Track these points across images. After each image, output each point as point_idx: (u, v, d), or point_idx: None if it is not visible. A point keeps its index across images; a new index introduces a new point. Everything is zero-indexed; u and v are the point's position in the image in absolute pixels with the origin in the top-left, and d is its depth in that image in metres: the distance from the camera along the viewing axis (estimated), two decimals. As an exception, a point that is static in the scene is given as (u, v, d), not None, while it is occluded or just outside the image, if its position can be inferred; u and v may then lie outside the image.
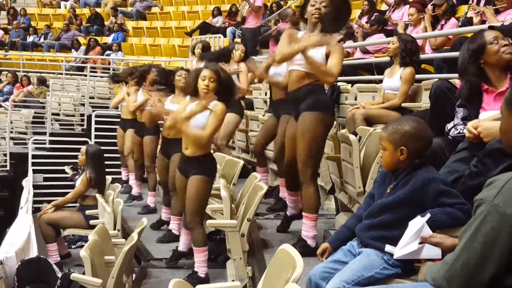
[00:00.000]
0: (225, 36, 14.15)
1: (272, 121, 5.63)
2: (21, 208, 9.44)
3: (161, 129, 6.63)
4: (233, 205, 4.58)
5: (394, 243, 2.53)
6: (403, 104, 5.34)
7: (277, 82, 5.18)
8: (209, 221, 4.35)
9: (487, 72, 3.06)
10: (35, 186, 10.63)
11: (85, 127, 13.22)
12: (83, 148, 6.57)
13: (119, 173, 9.26)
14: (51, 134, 12.72)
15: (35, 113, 13.65)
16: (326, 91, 6.38)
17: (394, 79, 5.41)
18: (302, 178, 4.24)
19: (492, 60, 3.04)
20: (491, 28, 3.20)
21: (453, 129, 3.09)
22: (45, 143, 12.45)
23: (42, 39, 18.83)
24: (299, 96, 4.18)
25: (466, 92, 3.08)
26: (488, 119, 2.80)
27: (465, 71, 3.11)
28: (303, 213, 4.30)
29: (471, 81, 3.06)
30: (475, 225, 1.71)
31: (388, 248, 2.57)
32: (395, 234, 2.55)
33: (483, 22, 6.22)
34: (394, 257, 2.44)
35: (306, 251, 3.90)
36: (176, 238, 5.64)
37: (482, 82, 3.05)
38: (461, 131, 3.00)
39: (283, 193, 5.39)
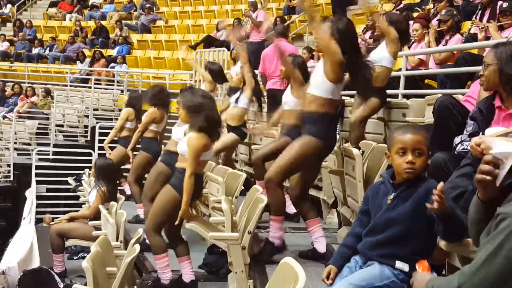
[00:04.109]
0: (229, 49, 14.22)
1: (284, 142, 5.59)
2: (23, 218, 9.46)
3: None
4: (234, 218, 4.57)
5: (404, 259, 2.51)
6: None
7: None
8: (210, 234, 4.34)
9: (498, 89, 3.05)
10: (38, 197, 10.66)
11: (88, 138, 13.26)
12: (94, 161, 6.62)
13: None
14: (55, 145, 12.77)
15: (39, 124, 13.71)
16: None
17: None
18: (268, 181, 4.39)
19: None
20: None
21: (459, 145, 3.08)
22: (48, 154, 12.50)
23: (47, 51, 18.94)
24: (305, 119, 4.33)
25: None
26: (492, 135, 2.78)
27: None
28: (271, 216, 4.56)
29: None
30: (499, 240, 1.64)
31: (398, 264, 2.53)
32: (404, 251, 2.51)
33: (487, 38, 6.24)
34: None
35: (273, 250, 4.47)
36: None
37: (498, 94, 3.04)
38: (466, 147, 2.99)
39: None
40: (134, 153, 7.64)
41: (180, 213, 4.54)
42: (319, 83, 4.21)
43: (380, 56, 5.39)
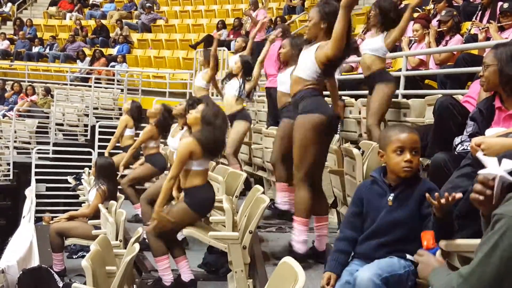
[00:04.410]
0: (229, 49, 14.22)
1: (288, 124, 5.48)
2: (23, 217, 9.46)
3: None
4: (235, 218, 4.57)
5: (411, 254, 2.49)
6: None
7: None
8: (211, 233, 4.34)
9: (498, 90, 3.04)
10: (37, 196, 10.66)
11: (88, 137, 13.26)
12: (94, 160, 6.60)
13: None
14: (55, 144, 12.76)
15: (39, 123, 13.71)
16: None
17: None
18: (294, 181, 4.33)
19: None
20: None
21: (459, 145, 3.08)
22: (48, 153, 12.49)
23: (47, 50, 18.94)
24: (296, 100, 4.26)
25: None
26: (492, 136, 2.78)
27: None
28: (293, 217, 4.34)
29: None
30: (494, 240, 1.66)
31: (409, 257, 2.54)
32: (410, 247, 2.49)
33: (488, 38, 6.24)
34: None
35: (293, 256, 3.92)
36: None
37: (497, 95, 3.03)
38: (466, 148, 2.99)
39: (280, 198, 5.36)
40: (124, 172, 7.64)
41: (153, 215, 4.60)
42: (308, 67, 4.19)
43: (377, 46, 5.35)
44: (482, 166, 2.55)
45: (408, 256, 2.55)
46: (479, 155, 2.12)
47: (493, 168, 1.97)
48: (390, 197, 2.61)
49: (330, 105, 4.49)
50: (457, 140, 3.11)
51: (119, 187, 7.26)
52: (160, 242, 4.71)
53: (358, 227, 2.72)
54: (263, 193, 4.62)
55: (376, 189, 2.69)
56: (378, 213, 2.64)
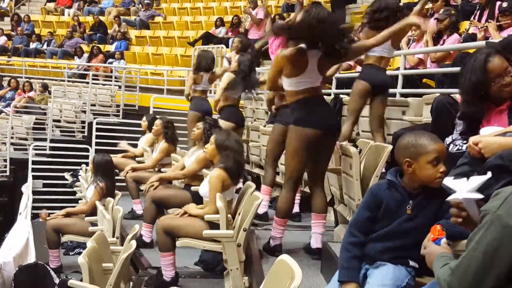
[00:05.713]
0: (227, 46, 14.21)
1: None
2: (20, 213, 9.44)
3: None
4: (229, 215, 4.56)
5: (415, 259, 2.50)
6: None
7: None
8: (205, 231, 4.33)
9: (489, 94, 3.02)
10: (34, 192, 10.65)
11: (85, 134, 13.26)
12: (91, 157, 6.60)
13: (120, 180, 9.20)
14: (52, 141, 12.75)
15: (36, 119, 13.70)
16: (329, 103, 6.43)
17: None
18: (284, 184, 4.56)
19: (494, 93, 2.98)
20: (489, 45, 3.16)
21: (452, 145, 3.07)
22: (45, 149, 12.48)
23: (45, 46, 18.91)
24: (291, 110, 4.41)
25: (467, 113, 3.05)
26: (490, 135, 2.77)
27: (466, 97, 3.05)
28: (274, 216, 4.60)
29: (472, 111, 3.02)
30: (479, 235, 1.73)
31: (411, 263, 2.53)
32: (416, 253, 2.40)
33: (486, 38, 6.24)
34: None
35: (268, 249, 4.62)
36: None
37: (484, 103, 3.01)
38: (459, 148, 2.98)
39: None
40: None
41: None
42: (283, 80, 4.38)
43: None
44: (479, 166, 2.56)
45: (411, 263, 2.53)
46: (446, 181, 2.15)
47: (458, 192, 2.04)
48: (409, 205, 2.54)
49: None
50: (447, 140, 3.10)
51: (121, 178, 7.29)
52: (167, 238, 4.67)
53: (370, 231, 2.64)
54: (259, 190, 4.63)
55: (395, 195, 2.58)
56: (394, 220, 2.56)
